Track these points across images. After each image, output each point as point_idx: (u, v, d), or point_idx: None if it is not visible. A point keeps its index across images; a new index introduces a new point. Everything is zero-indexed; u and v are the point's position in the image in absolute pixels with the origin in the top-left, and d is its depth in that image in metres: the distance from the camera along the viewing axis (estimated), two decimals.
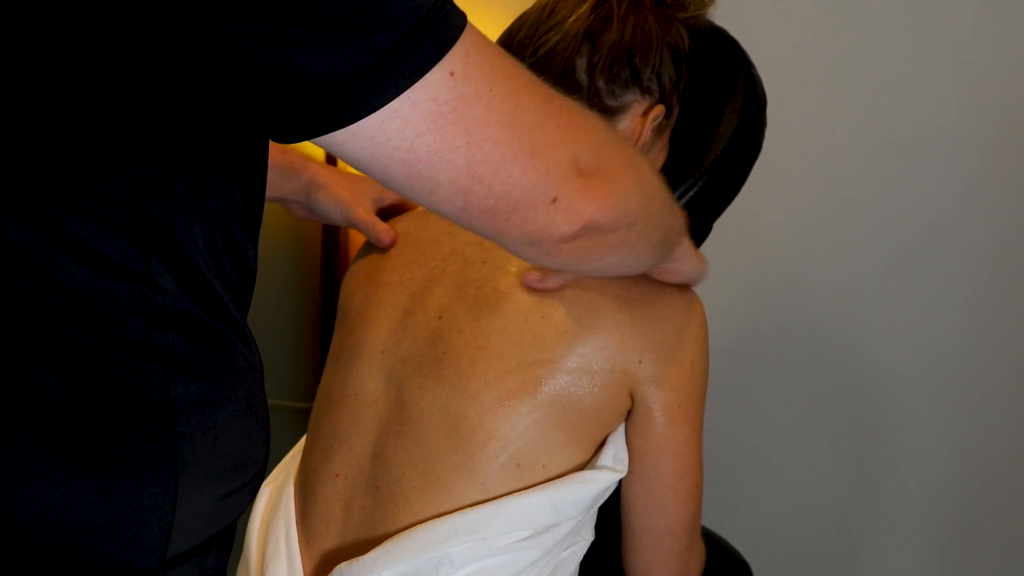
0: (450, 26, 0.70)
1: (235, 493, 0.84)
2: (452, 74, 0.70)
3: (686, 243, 1.06)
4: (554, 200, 0.77)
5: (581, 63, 1.15)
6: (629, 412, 1.10)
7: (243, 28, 0.65)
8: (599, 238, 0.83)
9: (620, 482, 1.12)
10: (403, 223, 1.22)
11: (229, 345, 0.83)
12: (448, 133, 0.71)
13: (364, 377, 1.14)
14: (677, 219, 0.99)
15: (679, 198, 1.26)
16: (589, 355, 1.07)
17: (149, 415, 0.77)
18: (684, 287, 1.12)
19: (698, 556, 1.18)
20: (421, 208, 1.24)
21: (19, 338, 0.75)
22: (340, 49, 0.66)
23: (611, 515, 1.17)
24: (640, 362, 1.08)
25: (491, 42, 0.75)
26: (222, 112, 0.74)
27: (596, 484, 1.07)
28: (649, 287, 1.10)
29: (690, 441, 1.11)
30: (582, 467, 1.09)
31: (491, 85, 0.72)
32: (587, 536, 1.13)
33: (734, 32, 1.32)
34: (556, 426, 1.07)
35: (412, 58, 0.68)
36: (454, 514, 1.04)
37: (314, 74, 0.67)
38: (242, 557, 1.17)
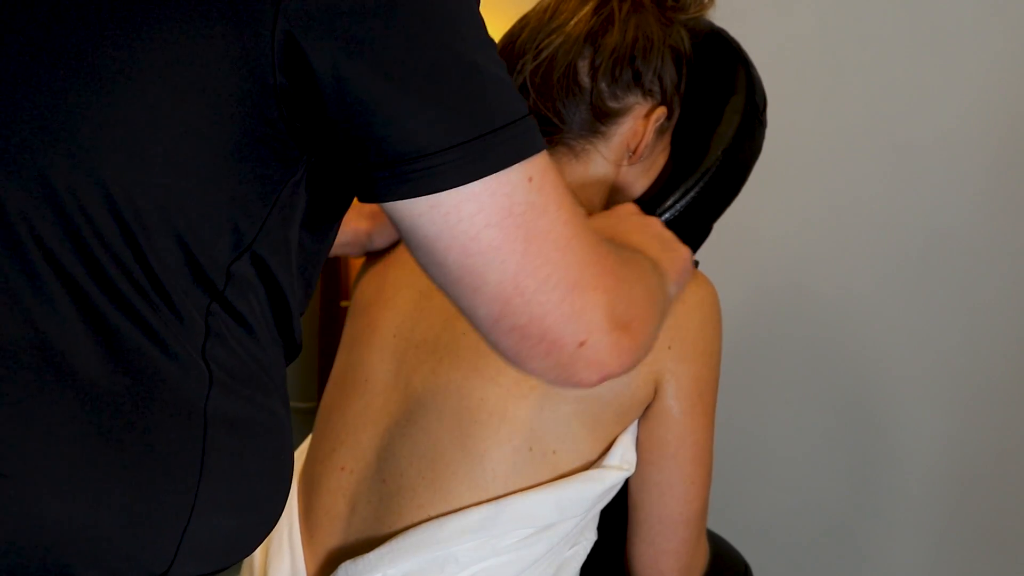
0: (538, 137, 0.77)
1: (245, 531, 0.84)
2: (530, 180, 0.76)
3: (672, 265, 1.06)
4: (582, 344, 0.79)
5: (583, 66, 1.15)
6: (649, 404, 1.11)
7: (370, 77, 0.72)
8: None
9: (628, 477, 1.13)
10: None
11: (271, 390, 0.84)
12: (511, 234, 0.75)
13: (375, 362, 1.14)
14: (669, 269, 1.01)
15: (679, 199, 1.27)
16: None
17: (186, 413, 0.78)
18: (703, 278, 1.13)
19: (704, 548, 1.19)
20: None
21: (83, 305, 0.75)
22: (446, 121, 0.73)
23: (614, 516, 1.17)
24: (669, 347, 1.09)
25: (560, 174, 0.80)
26: (324, 158, 0.78)
27: (601, 483, 1.08)
28: None
29: (707, 429, 1.13)
30: (589, 464, 1.10)
31: (559, 206, 0.78)
32: (590, 536, 1.14)
33: (734, 33, 1.33)
34: (574, 412, 1.08)
35: (505, 148, 0.75)
36: (459, 512, 1.05)
37: (418, 139, 0.73)
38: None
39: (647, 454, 1.12)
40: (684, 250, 1.10)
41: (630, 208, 1.14)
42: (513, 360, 0.81)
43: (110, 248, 0.75)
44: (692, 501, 1.13)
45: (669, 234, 1.11)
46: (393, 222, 0.78)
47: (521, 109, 0.77)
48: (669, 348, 1.09)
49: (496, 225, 0.75)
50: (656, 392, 1.11)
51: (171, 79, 0.73)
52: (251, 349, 0.82)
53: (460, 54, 0.75)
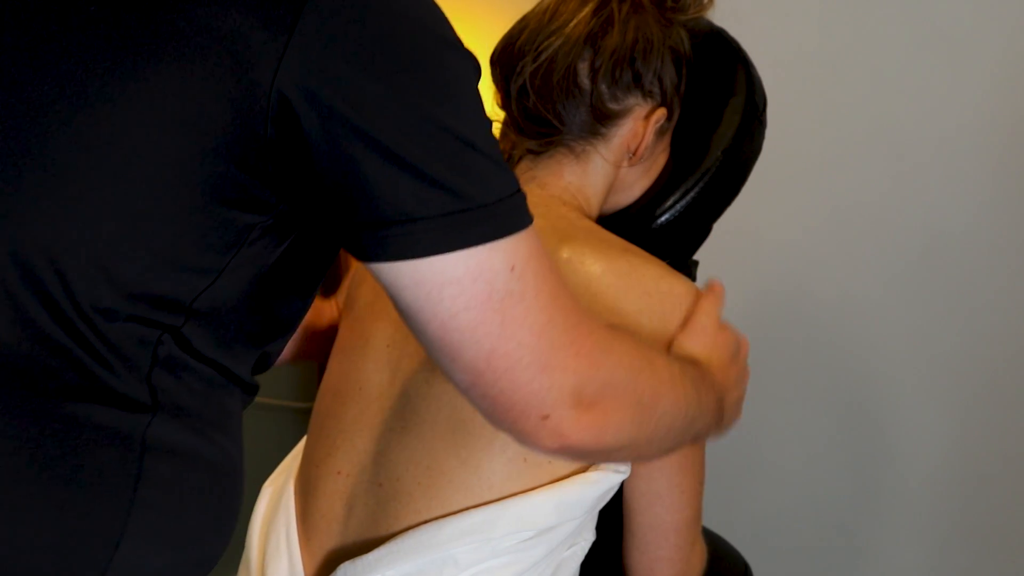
0: (525, 215, 0.81)
1: (178, 568, 0.82)
2: (512, 268, 0.79)
3: (728, 413, 1.09)
4: (545, 417, 0.83)
5: (583, 67, 1.15)
6: None
7: (364, 139, 0.74)
8: (586, 457, 0.97)
9: (622, 483, 1.13)
10: None
11: (226, 430, 0.85)
12: (488, 319, 0.79)
13: (370, 371, 1.14)
14: (707, 411, 1.03)
15: (679, 199, 1.27)
16: None
17: (121, 437, 0.77)
18: (690, 284, 1.13)
19: (700, 553, 1.19)
20: None
21: (25, 324, 0.75)
22: (433, 191, 0.76)
23: (612, 515, 1.17)
24: None
25: (546, 254, 0.84)
26: (310, 210, 0.80)
27: (599, 485, 1.08)
28: (671, 295, 1.10)
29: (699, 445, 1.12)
30: (585, 468, 1.10)
31: (537, 293, 0.81)
32: (588, 536, 1.14)
33: (734, 33, 1.33)
34: None
35: (489, 223, 0.78)
36: (458, 514, 1.05)
37: (405, 205, 0.76)
38: (243, 558, 1.18)
39: (636, 464, 1.12)
40: (744, 350, 1.13)
41: (705, 322, 1.13)
42: (486, 417, 0.86)
43: (45, 272, 0.75)
44: (682, 509, 1.13)
45: (735, 342, 1.12)
46: (379, 282, 0.80)
47: (509, 187, 0.80)
48: None
49: (475, 309, 0.78)
50: None
51: (156, 113, 0.74)
52: (204, 386, 0.83)
53: (455, 129, 0.77)
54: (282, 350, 0.93)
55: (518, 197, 0.81)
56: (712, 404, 1.03)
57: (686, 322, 1.10)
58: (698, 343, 1.08)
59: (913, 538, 1.98)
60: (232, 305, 0.82)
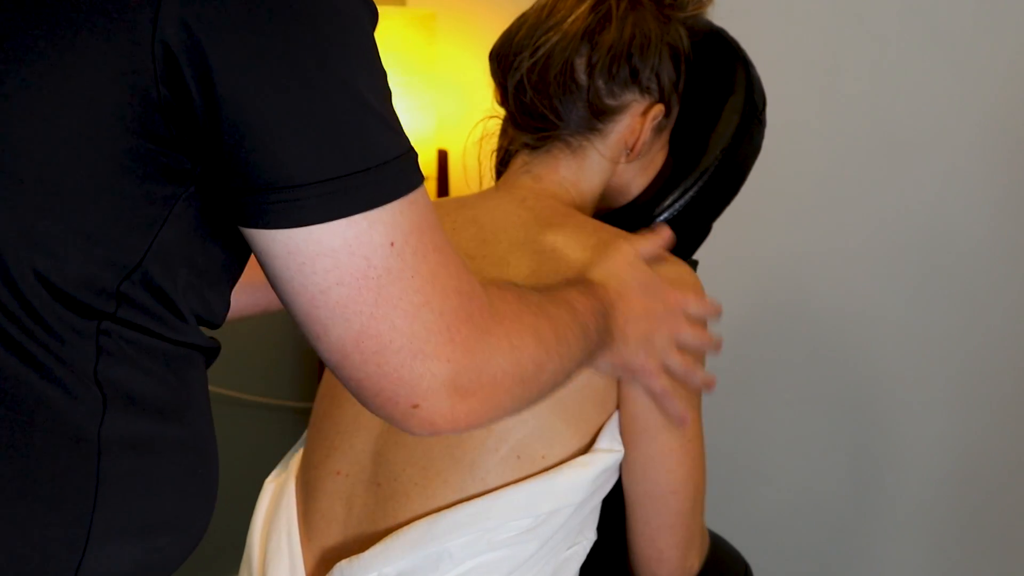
0: (412, 177, 0.76)
1: (157, 553, 0.80)
2: (392, 244, 0.74)
3: (617, 339, 1.03)
4: (415, 407, 0.79)
5: (580, 63, 1.16)
6: (620, 383, 1.11)
7: (246, 99, 0.70)
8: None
9: (621, 474, 1.13)
10: None
11: (186, 405, 0.81)
12: (361, 296, 0.74)
13: None
14: (591, 342, 0.98)
15: (678, 198, 1.27)
16: None
17: (73, 440, 0.74)
18: (679, 264, 1.12)
19: (702, 534, 1.18)
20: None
21: None
22: (317, 154, 0.71)
23: (614, 515, 1.17)
24: None
25: (438, 224, 0.78)
26: (211, 173, 0.75)
27: (592, 467, 1.08)
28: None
29: (683, 399, 1.11)
30: (579, 454, 1.10)
31: (415, 273, 0.76)
32: (589, 535, 1.14)
33: (733, 32, 1.33)
34: (554, 413, 1.07)
35: (371, 186, 0.73)
36: (453, 507, 1.05)
37: (287, 169, 0.71)
38: (244, 554, 1.18)
39: (627, 436, 1.12)
40: (672, 296, 1.07)
41: (623, 248, 1.10)
42: (355, 396, 0.81)
43: None
44: (673, 470, 1.12)
45: (654, 278, 1.08)
46: (251, 247, 0.76)
47: (398, 147, 0.75)
48: None
49: (348, 285, 0.74)
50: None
51: (43, 95, 0.71)
52: (159, 365, 0.79)
53: (342, 84, 0.73)
54: (228, 301, 0.87)
55: (407, 159, 0.76)
56: (594, 334, 0.98)
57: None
58: (607, 266, 1.06)
59: (913, 538, 1.98)
60: (163, 281, 0.77)
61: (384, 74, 0.77)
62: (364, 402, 0.81)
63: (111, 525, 0.76)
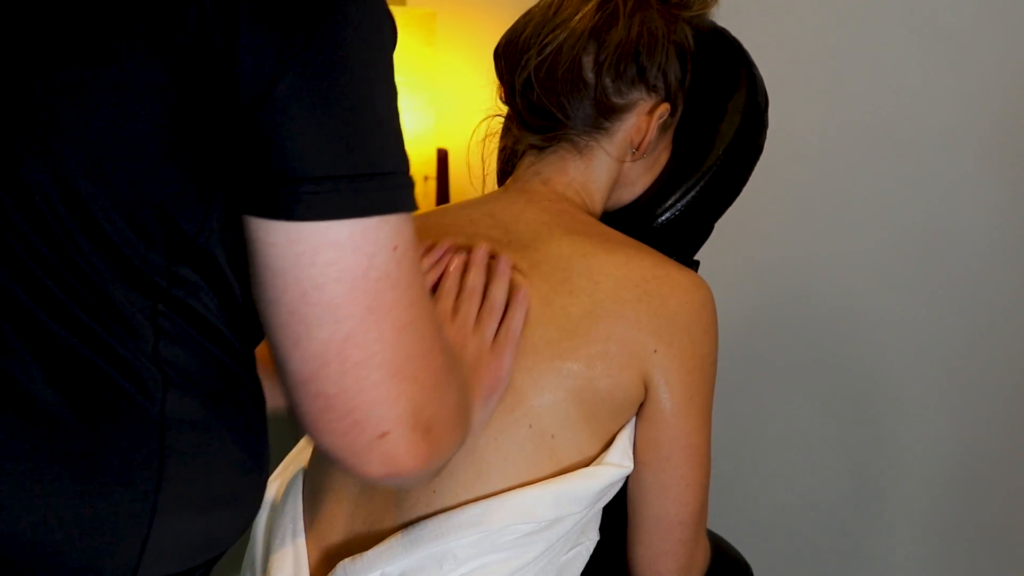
0: (412, 197, 0.75)
1: (218, 527, 0.82)
2: (395, 248, 0.73)
3: (479, 375, 1.03)
4: (383, 435, 0.76)
5: (588, 61, 1.16)
6: (642, 404, 1.11)
7: (278, 88, 0.70)
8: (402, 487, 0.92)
9: (627, 477, 1.13)
10: (434, 216, 1.23)
11: (238, 382, 0.82)
12: (355, 297, 0.73)
13: None
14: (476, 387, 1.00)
15: (680, 198, 1.27)
16: (607, 340, 1.07)
17: (139, 420, 0.76)
18: (698, 280, 1.13)
19: (704, 549, 1.18)
20: (444, 206, 1.26)
21: (20, 320, 0.74)
22: (334, 151, 0.71)
23: (615, 516, 1.17)
24: (655, 351, 1.08)
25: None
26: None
27: (600, 479, 1.08)
28: (668, 279, 1.10)
29: (701, 432, 1.12)
30: (589, 460, 1.10)
31: (410, 285, 0.75)
32: (592, 536, 1.14)
33: (736, 33, 1.33)
34: (571, 399, 1.07)
35: (387, 191, 0.73)
36: (457, 508, 1.05)
37: (303, 160, 0.71)
38: (247, 551, 1.18)
39: (642, 455, 1.12)
40: (495, 367, 1.05)
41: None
42: (309, 428, 0.77)
43: (43, 257, 0.73)
44: (688, 503, 1.13)
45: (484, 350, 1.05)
46: (247, 239, 0.75)
47: (405, 163, 0.76)
48: (655, 352, 1.08)
49: (345, 282, 0.72)
50: (647, 392, 1.10)
51: (99, 79, 0.71)
52: (211, 344, 0.79)
53: (370, 92, 0.73)
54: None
55: (411, 178, 0.76)
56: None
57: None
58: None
59: (913, 538, 1.99)
60: (217, 258, 0.78)
61: (397, 94, 0.78)
62: (321, 430, 0.76)
63: (176, 499, 0.77)
